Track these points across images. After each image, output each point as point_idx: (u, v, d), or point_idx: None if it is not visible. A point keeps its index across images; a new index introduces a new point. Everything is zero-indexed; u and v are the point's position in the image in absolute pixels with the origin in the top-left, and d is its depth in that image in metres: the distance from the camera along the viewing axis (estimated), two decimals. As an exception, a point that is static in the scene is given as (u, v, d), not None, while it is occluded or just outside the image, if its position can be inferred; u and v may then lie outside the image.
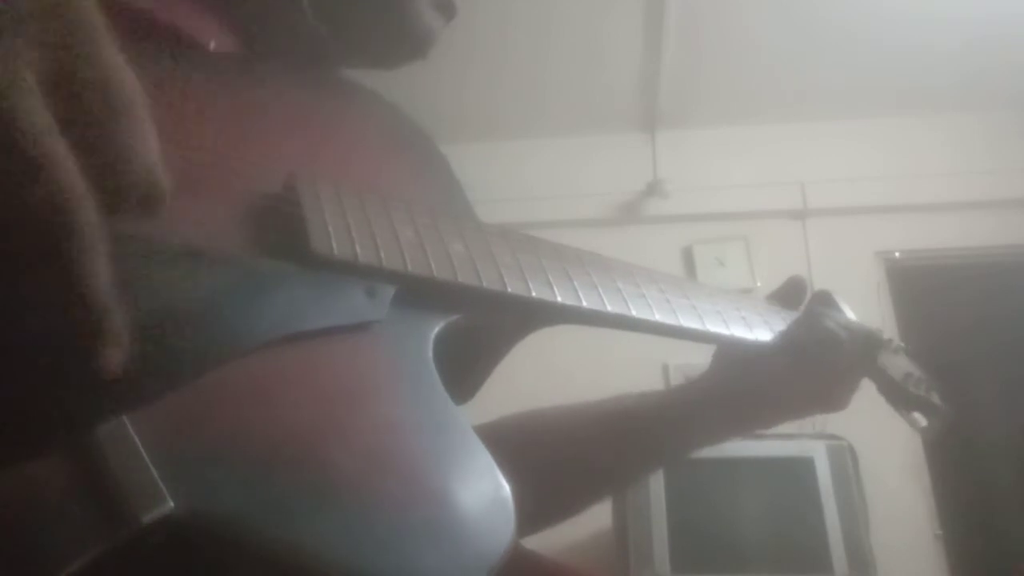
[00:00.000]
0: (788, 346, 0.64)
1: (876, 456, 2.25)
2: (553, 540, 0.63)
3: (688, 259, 2.77)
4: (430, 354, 0.40)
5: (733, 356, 0.66)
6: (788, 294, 0.73)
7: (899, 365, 0.68)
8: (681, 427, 0.67)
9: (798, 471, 2.08)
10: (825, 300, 0.69)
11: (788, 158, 2.84)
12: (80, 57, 0.28)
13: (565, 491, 0.66)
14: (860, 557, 1.97)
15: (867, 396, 0.70)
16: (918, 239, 2.73)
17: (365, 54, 0.63)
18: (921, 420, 0.67)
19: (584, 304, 0.49)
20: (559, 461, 0.64)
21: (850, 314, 0.67)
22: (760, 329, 0.63)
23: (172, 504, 0.28)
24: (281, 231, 0.40)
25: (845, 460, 2.09)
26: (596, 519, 2.00)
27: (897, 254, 2.74)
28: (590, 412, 0.67)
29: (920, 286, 2.64)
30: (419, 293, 0.42)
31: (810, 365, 0.64)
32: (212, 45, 0.52)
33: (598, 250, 0.56)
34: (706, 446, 0.68)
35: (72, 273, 0.26)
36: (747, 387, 0.65)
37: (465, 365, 0.50)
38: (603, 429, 0.66)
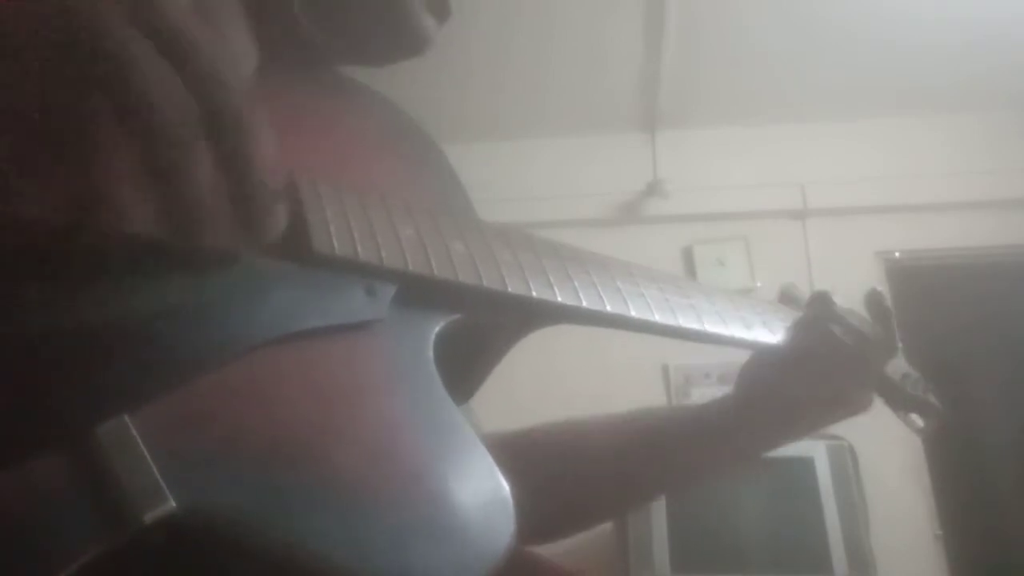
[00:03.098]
0: (793, 348, 0.64)
1: (876, 456, 2.25)
2: (553, 540, 0.63)
3: (688, 259, 2.77)
4: (430, 354, 0.40)
5: (755, 369, 0.67)
6: (785, 302, 0.73)
7: (896, 366, 0.68)
8: (705, 443, 0.67)
9: (798, 471, 2.08)
10: (823, 300, 0.70)
11: (788, 158, 2.84)
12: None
13: (592, 505, 0.67)
14: (860, 557, 1.97)
15: (866, 397, 0.70)
16: (918, 239, 2.73)
17: (358, 52, 0.63)
18: (918, 421, 0.67)
19: (584, 304, 0.49)
20: (595, 478, 0.65)
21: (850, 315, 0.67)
22: (758, 329, 0.63)
23: (174, 503, 0.28)
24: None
25: (845, 460, 2.09)
26: (596, 519, 1.99)
27: (897, 254, 2.74)
28: (623, 427, 0.67)
29: (920, 286, 2.63)
30: (419, 292, 0.42)
31: (816, 365, 0.64)
32: None
33: (598, 250, 0.56)
34: (735, 463, 0.69)
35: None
36: (764, 394, 0.66)
37: (465, 364, 0.50)
38: (637, 447, 0.67)
